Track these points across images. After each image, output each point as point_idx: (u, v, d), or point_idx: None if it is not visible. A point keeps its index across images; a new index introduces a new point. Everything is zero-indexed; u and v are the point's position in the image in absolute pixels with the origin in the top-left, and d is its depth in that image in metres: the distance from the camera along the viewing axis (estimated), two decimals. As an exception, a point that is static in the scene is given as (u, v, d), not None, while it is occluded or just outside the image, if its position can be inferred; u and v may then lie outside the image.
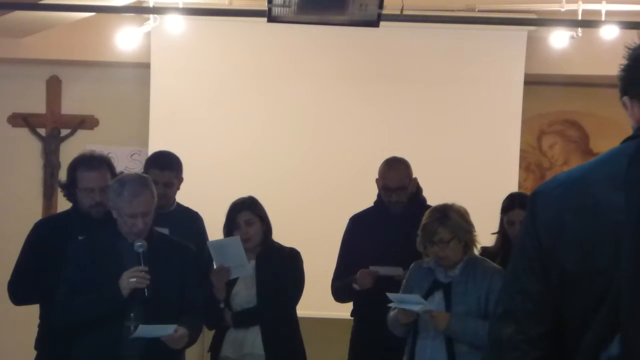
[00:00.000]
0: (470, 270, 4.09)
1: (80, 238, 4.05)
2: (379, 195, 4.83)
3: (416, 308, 4.00)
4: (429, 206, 4.72)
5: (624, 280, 1.65)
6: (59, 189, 4.39)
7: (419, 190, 4.86)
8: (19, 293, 4.26)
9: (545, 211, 1.81)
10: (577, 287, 1.74)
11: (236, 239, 4.41)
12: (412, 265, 4.27)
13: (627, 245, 1.66)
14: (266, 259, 4.51)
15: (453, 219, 4.06)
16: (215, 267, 4.45)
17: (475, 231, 4.16)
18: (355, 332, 4.87)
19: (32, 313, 4.37)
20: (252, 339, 4.42)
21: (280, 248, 4.59)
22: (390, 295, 4.16)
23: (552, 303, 1.79)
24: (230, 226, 4.52)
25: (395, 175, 4.74)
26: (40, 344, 4.29)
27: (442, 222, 4.05)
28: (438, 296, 4.06)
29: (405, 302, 4.06)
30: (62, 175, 6.80)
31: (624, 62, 1.79)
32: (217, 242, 4.46)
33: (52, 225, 4.41)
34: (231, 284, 4.46)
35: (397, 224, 4.68)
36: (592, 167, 1.80)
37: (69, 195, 4.30)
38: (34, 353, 4.31)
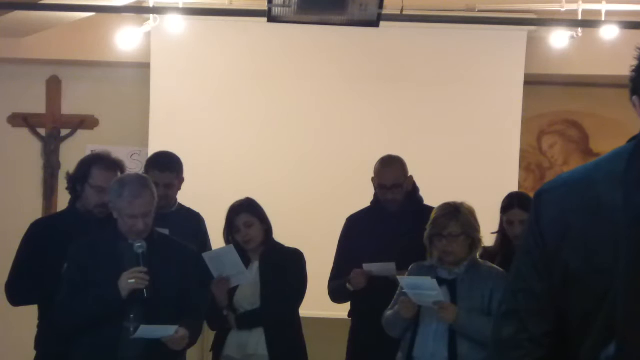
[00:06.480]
0: (474, 269, 4.13)
1: (80, 239, 4.04)
2: (375, 195, 4.84)
3: (431, 294, 3.99)
4: (426, 205, 4.75)
5: (619, 281, 1.65)
6: (66, 180, 4.34)
7: (415, 189, 4.86)
8: (16, 294, 4.25)
9: (549, 210, 1.81)
10: (580, 287, 1.74)
11: (230, 248, 4.41)
12: (411, 266, 4.27)
13: (624, 245, 1.66)
14: (270, 260, 4.50)
15: (464, 215, 4.12)
16: (215, 277, 4.43)
17: (481, 233, 4.19)
18: (352, 331, 4.88)
19: (31, 313, 4.37)
20: (256, 340, 4.42)
21: (283, 249, 4.59)
22: (401, 279, 4.16)
23: (555, 302, 1.79)
24: (230, 230, 4.52)
25: (390, 173, 4.75)
26: (39, 344, 4.29)
27: (454, 217, 4.11)
28: (443, 291, 4.07)
29: (418, 288, 4.05)
30: (62, 174, 6.85)
31: (635, 62, 1.79)
32: (211, 253, 4.44)
33: (48, 225, 4.39)
34: (234, 287, 4.45)
35: (393, 223, 4.68)
36: (596, 167, 1.80)
37: (73, 189, 4.28)
38: (33, 353, 4.31)
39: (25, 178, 7.05)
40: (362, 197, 4.96)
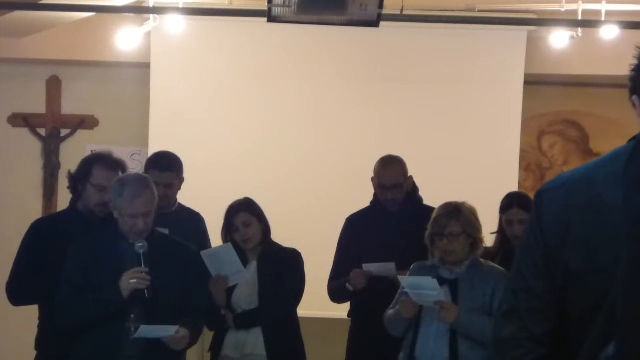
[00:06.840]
0: (476, 269, 4.14)
1: (81, 239, 4.04)
2: (375, 195, 4.84)
3: (431, 293, 4.00)
4: (426, 205, 4.75)
5: (620, 281, 1.66)
6: (67, 179, 4.33)
7: (415, 189, 4.87)
8: (17, 294, 4.24)
9: (550, 209, 1.81)
10: (581, 286, 1.74)
11: (228, 246, 4.41)
12: (413, 266, 4.27)
13: (624, 245, 1.66)
14: (268, 260, 4.51)
15: (465, 214, 4.13)
16: (213, 276, 4.43)
17: (482, 233, 4.19)
18: (352, 332, 4.88)
19: (32, 313, 4.37)
20: (254, 340, 4.42)
21: (281, 249, 4.59)
22: (402, 279, 4.16)
23: (556, 301, 1.79)
24: (228, 229, 4.52)
25: (390, 173, 4.75)
26: (40, 344, 4.29)
27: (455, 216, 4.12)
28: (444, 291, 4.07)
29: (419, 288, 4.05)
30: (62, 174, 6.87)
31: (634, 61, 1.79)
32: (209, 251, 4.44)
33: (49, 225, 4.39)
34: (232, 285, 4.46)
35: (393, 223, 4.69)
36: (598, 166, 1.80)
37: (74, 188, 4.28)
38: (34, 353, 4.31)
39: (25, 178, 7.05)
40: (362, 197, 4.96)
